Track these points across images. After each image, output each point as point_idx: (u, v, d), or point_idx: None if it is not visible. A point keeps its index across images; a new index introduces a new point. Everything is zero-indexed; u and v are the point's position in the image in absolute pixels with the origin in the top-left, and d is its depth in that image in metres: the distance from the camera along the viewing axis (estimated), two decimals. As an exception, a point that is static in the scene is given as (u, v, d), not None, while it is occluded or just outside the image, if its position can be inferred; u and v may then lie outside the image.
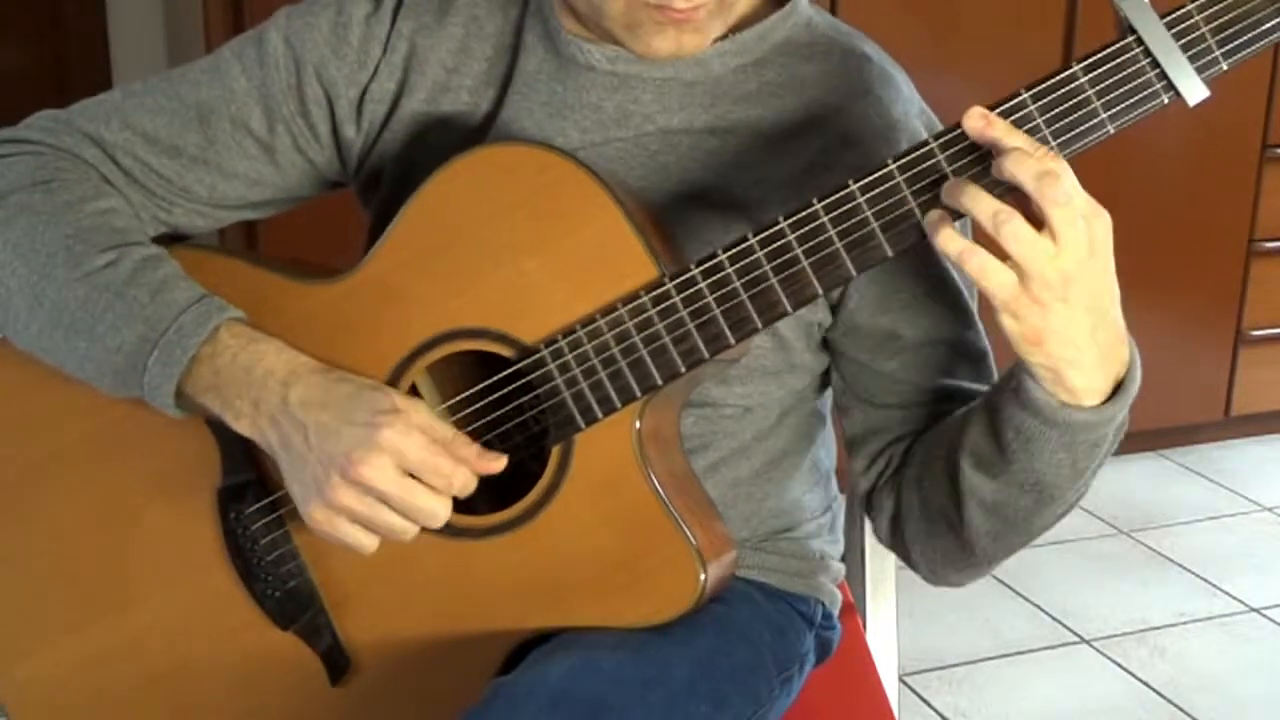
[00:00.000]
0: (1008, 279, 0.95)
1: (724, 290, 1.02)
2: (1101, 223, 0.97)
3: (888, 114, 1.16)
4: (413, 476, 1.04)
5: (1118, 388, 1.02)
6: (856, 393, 1.19)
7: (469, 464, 1.05)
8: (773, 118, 1.16)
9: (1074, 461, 1.04)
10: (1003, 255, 0.95)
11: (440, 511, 1.05)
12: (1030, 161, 0.93)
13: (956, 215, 0.97)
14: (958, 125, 0.97)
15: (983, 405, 1.07)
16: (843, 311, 1.16)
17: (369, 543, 1.06)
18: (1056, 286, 0.95)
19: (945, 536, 1.13)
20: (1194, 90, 0.96)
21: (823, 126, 1.16)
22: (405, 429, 1.03)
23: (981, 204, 0.94)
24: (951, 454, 1.09)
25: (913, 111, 1.18)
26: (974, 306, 1.17)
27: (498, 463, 1.06)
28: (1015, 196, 0.95)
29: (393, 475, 1.03)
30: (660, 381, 1.04)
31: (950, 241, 0.95)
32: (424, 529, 1.07)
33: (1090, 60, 0.97)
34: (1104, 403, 1.02)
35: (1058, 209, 0.93)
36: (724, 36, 1.16)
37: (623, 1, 1.08)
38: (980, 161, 0.97)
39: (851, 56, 1.19)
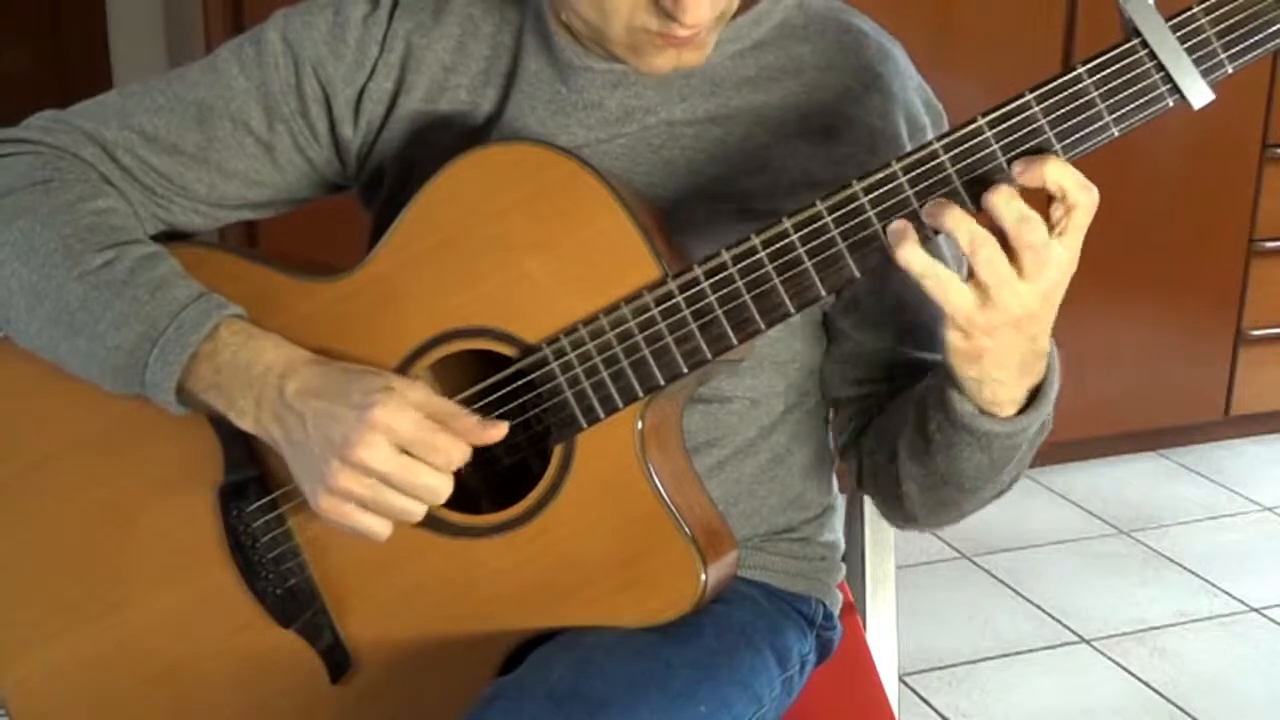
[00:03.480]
0: (967, 300, 0.97)
1: (727, 291, 1.02)
2: (1062, 267, 0.98)
3: (888, 89, 1.17)
4: (412, 454, 1.03)
5: (1036, 394, 1.05)
6: (842, 363, 1.22)
7: (469, 436, 1.05)
8: (774, 102, 1.17)
9: (991, 462, 1.08)
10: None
11: (441, 489, 1.04)
12: (1015, 205, 0.95)
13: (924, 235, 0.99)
14: (961, 127, 0.98)
15: (916, 400, 1.11)
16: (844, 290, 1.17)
17: (380, 528, 1.06)
18: (1013, 317, 0.97)
19: (892, 501, 1.19)
20: (1199, 93, 0.96)
21: (824, 107, 1.16)
22: (398, 407, 1.03)
23: (962, 226, 0.96)
24: (893, 436, 1.14)
25: (910, 86, 1.19)
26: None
27: (498, 430, 1.06)
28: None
29: (389, 454, 1.03)
30: (662, 381, 1.04)
31: (914, 259, 0.97)
32: (425, 528, 1.07)
33: (1095, 63, 0.96)
34: (1020, 413, 1.05)
35: (1031, 252, 0.95)
36: None
37: (623, 28, 1.08)
38: (982, 165, 0.97)
39: (847, 33, 1.19)
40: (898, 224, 0.97)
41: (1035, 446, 1.10)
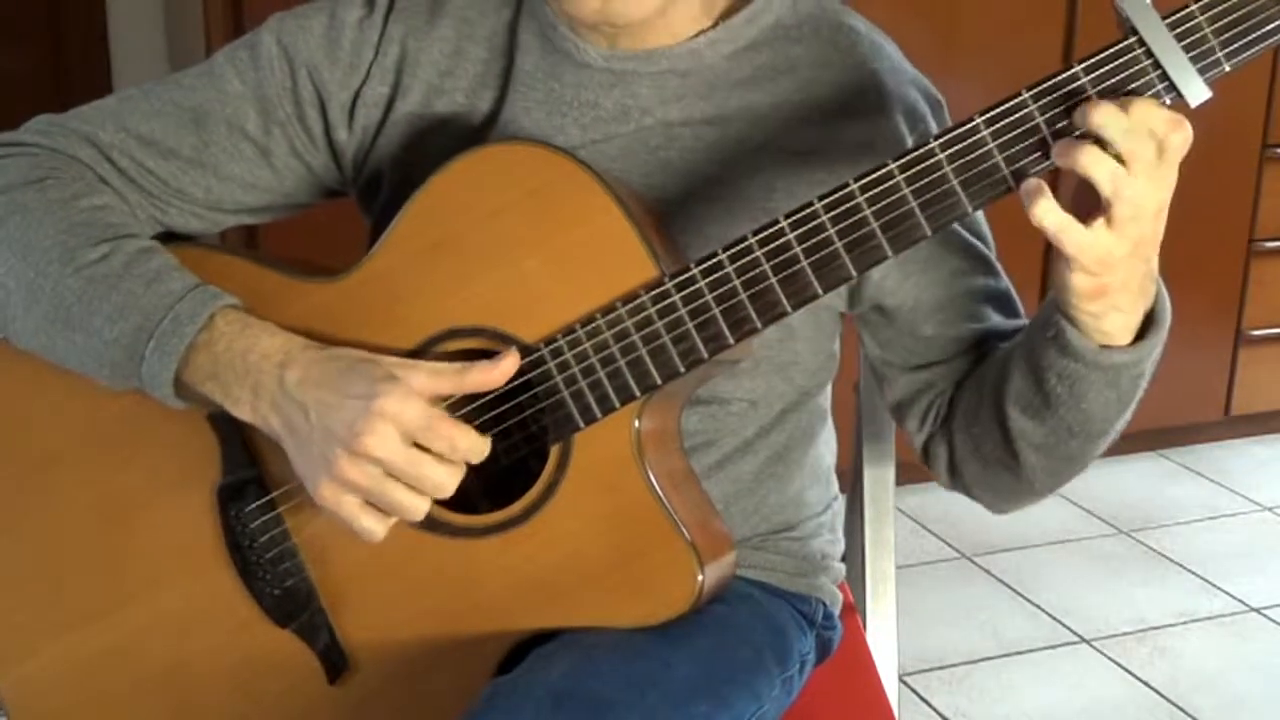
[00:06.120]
0: (1096, 240, 0.96)
1: (723, 290, 1.02)
2: (1169, 184, 1.00)
3: (882, 86, 1.17)
4: (419, 446, 1.03)
5: (1148, 320, 1.05)
6: (897, 361, 1.20)
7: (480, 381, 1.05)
8: (770, 101, 1.17)
9: (1119, 397, 1.07)
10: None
11: (448, 481, 1.04)
12: (1119, 118, 0.94)
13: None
14: (958, 126, 0.98)
15: (1022, 353, 1.08)
16: (865, 289, 1.17)
17: (375, 526, 1.06)
18: (1134, 244, 0.98)
19: (1002, 476, 1.16)
20: (1196, 91, 0.96)
21: (820, 106, 1.16)
22: (404, 396, 1.02)
23: (1100, 164, 0.95)
24: (998, 401, 1.11)
25: (905, 80, 1.19)
26: (987, 251, 1.19)
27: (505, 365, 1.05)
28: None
29: (397, 444, 1.02)
30: (659, 381, 1.04)
31: (1048, 217, 0.96)
32: (423, 528, 1.07)
33: (1091, 61, 0.96)
34: (1138, 339, 1.04)
35: (1142, 164, 0.96)
36: (713, 25, 1.17)
37: None
38: (979, 163, 0.98)
39: (839, 31, 1.19)
40: (1031, 182, 0.96)
41: (1152, 378, 1.09)
